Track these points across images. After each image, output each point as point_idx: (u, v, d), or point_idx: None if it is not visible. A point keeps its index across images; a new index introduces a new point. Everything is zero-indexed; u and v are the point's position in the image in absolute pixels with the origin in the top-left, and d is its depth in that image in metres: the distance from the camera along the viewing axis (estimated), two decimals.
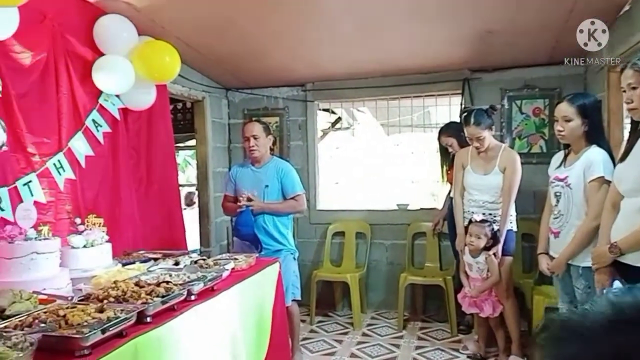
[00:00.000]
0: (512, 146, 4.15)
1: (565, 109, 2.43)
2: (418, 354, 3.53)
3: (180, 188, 6.68)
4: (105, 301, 1.60)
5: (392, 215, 4.64)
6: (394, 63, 4.15)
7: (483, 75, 4.25)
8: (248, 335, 2.22)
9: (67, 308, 1.47)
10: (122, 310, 1.50)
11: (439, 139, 3.92)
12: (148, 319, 1.57)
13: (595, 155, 2.37)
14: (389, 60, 4.08)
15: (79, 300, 1.64)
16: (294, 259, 3.30)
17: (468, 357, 3.41)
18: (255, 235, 3.11)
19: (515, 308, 3.26)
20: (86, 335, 1.28)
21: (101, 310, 1.45)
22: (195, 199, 5.10)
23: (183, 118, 5.20)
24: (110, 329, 1.37)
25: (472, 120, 3.15)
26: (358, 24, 3.32)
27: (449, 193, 4.05)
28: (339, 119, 6.87)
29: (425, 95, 4.64)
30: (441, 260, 4.31)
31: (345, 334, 3.99)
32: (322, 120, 5.86)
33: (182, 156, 8.62)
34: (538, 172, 4.03)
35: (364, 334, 3.96)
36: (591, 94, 2.73)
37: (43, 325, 1.35)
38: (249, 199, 3.10)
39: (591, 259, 2.16)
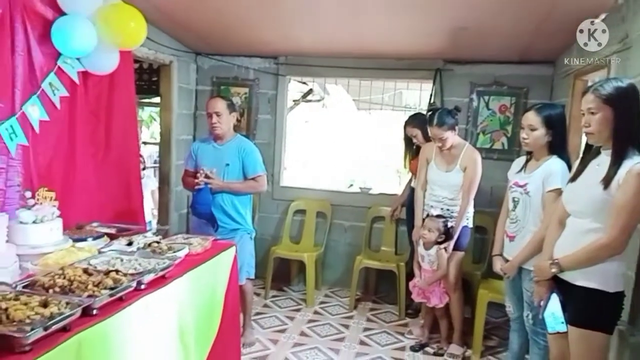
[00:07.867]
0: (475, 141, 4.23)
1: (531, 118, 2.48)
2: (365, 336, 3.67)
3: (144, 145, 6.51)
4: (50, 290, 1.58)
5: (354, 198, 4.71)
6: (370, 46, 4.10)
7: (455, 67, 4.27)
8: (199, 320, 2.24)
9: (9, 299, 1.44)
10: (67, 303, 1.48)
11: (404, 128, 3.94)
12: (94, 312, 1.55)
13: (555, 165, 2.45)
14: (366, 43, 4.03)
15: (23, 287, 1.61)
16: (251, 238, 3.30)
17: (411, 346, 3.52)
18: (212, 213, 3.09)
19: (460, 301, 3.40)
20: (28, 334, 1.27)
21: (45, 304, 1.43)
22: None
23: (148, 79, 5.00)
24: (54, 326, 1.35)
25: (436, 120, 3.19)
26: (339, 2, 3.24)
27: (410, 181, 4.13)
28: (311, 90, 6.79)
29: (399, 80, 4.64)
30: (397, 244, 4.44)
31: (298, 310, 4.08)
32: (294, 89, 5.76)
33: (147, 112, 8.37)
34: (498, 168, 4.11)
35: (316, 312, 4.07)
36: (558, 105, 2.78)
37: None
38: (207, 176, 3.07)
39: (533, 271, 2.27)
